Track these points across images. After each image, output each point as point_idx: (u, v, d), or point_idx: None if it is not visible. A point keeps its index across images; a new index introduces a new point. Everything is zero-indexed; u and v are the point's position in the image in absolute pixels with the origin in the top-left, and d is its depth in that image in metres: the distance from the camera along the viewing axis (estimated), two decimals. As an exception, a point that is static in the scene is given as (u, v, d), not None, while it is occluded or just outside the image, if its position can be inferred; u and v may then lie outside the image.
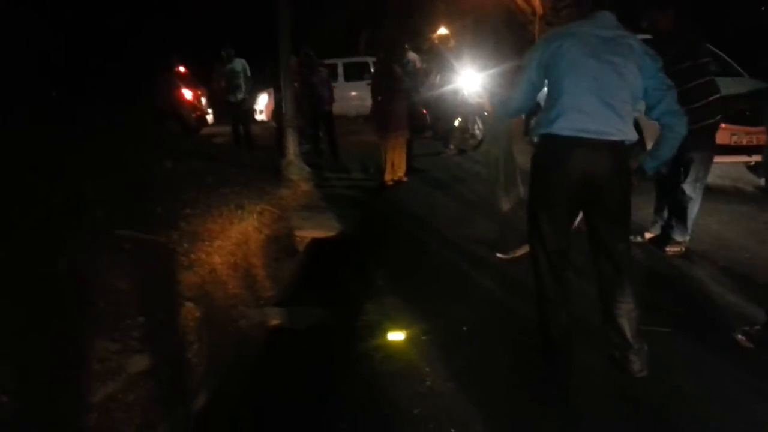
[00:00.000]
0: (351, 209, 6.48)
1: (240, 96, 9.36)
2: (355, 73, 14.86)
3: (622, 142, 2.49)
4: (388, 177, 7.41)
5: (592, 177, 2.47)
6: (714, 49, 6.28)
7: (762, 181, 5.51)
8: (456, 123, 9.57)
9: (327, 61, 13.23)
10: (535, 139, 2.68)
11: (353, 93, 14.14)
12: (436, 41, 13.54)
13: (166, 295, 3.85)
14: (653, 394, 2.53)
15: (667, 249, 4.11)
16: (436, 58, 10.35)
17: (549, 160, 2.57)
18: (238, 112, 9.65)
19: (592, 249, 2.65)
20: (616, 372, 2.63)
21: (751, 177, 6.03)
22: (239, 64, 9.36)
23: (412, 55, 8.23)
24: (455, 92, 9.67)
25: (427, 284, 4.02)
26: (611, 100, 2.43)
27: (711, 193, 4.97)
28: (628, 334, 2.57)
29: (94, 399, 2.99)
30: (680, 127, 2.56)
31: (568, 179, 2.50)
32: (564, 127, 2.46)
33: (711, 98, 3.86)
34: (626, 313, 2.57)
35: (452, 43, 11.70)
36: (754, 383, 2.55)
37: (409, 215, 6.11)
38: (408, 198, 6.84)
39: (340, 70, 15.01)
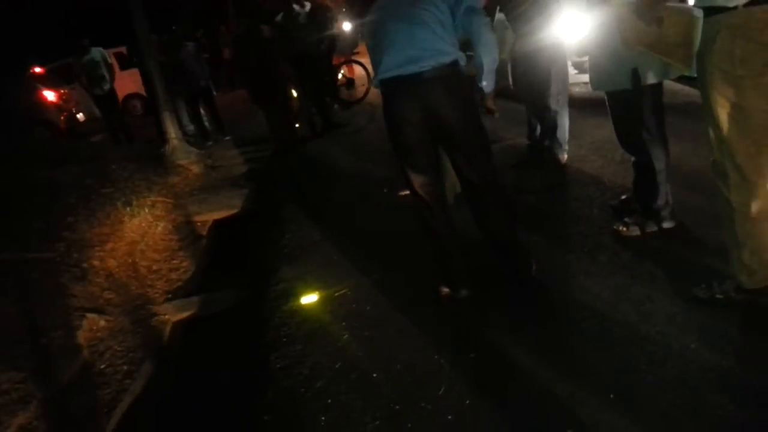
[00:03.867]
0: (248, 183, 6.34)
1: (106, 87, 8.74)
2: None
3: (448, 66, 2.50)
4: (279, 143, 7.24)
5: (430, 111, 2.54)
6: None
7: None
8: (339, 76, 9.45)
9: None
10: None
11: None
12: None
13: (64, 311, 3.64)
14: (548, 298, 2.70)
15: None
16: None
17: (387, 105, 2.65)
18: (107, 104, 9.03)
19: (459, 181, 2.77)
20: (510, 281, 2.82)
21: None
22: (97, 53, 8.71)
23: (298, 7, 7.80)
24: (334, 44, 9.48)
25: (333, 245, 4.01)
26: (415, 35, 2.49)
27: (580, 101, 5.22)
28: (511, 246, 2.76)
29: (6, 433, 2.83)
30: (476, 26, 2.51)
31: (407, 118, 2.57)
32: (386, 70, 2.56)
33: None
34: (502, 229, 2.73)
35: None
36: (643, 268, 2.75)
37: (307, 179, 6.05)
38: (303, 161, 6.75)
39: None
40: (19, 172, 6.34)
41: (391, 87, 2.59)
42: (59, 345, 3.38)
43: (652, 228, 3.04)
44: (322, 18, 9.08)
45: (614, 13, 2.54)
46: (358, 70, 9.77)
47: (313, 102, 7.78)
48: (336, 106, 8.81)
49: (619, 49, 2.70)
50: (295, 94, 7.98)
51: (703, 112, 2.20)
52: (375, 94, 8.98)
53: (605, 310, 2.49)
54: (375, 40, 2.66)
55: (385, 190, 4.63)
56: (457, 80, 2.57)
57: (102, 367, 3.28)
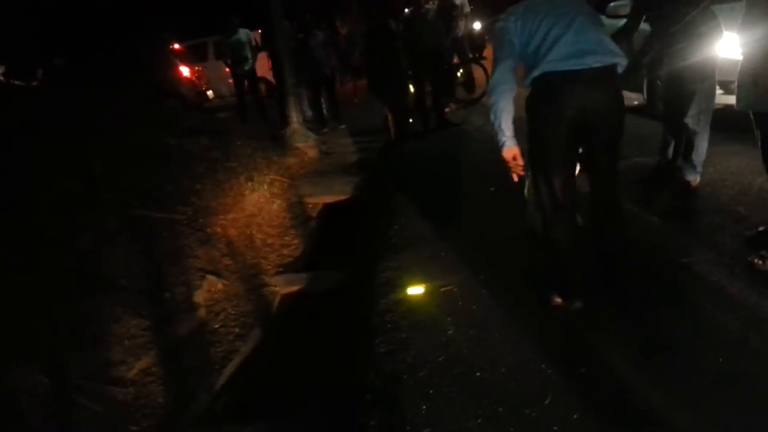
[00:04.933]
0: (359, 172, 6.50)
1: (246, 67, 9.20)
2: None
3: (613, 67, 2.51)
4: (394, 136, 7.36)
5: (587, 109, 2.48)
6: None
7: None
8: (459, 73, 9.42)
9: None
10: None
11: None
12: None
13: (187, 270, 3.94)
14: (669, 323, 2.56)
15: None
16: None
17: (544, 99, 2.55)
18: (245, 84, 9.52)
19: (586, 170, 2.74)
20: (636, 303, 2.69)
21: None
22: (244, 34, 9.14)
23: (430, 4, 7.87)
24: (457, 42, 9.46)
25: (441, 240, 4.02)
26: (587, 34, 2.49)
27: (721, 123, 4.90)
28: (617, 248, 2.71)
29: (128, 375, 3.11)
30: None
31: (564, 115, 2.50)
32: (555, 61, 2.47)
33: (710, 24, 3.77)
34: (615, 230, 2.69)
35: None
36: (758, 302, 2.55)
37: (417, 173, 6.09)
38: (414, 156, 6.81)
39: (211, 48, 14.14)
40: (154, 139, 6.86)
41: (554, 81, 2.49)
42: (180, 300, 3.66)
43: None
44: (448, 16, 9.12)
45: None
46: (477, 71, 9.70)
47: (429, 98, 7.83)
48: (452, 105, 8.82)
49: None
50: (411, 89, 8.07)
51: None
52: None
53: (732, 344, 2.33)
54: (532, 35, 2.56)
55: (492, 189, 4.59)
56: (618, 84, 2.56)
57: (216, 326, 3.52)
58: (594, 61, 2.45)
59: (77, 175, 4.87)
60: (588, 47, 2.46)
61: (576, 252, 2.71)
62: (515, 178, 2.69)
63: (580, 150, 2.78)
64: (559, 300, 2.76)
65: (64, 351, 3.05)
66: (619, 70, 2.55)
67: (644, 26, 3.99)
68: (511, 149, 2.62)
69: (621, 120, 2.59)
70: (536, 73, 2.52)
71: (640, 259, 3.05)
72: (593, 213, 2.76)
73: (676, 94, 3.85)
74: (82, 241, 3.83)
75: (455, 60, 9.52)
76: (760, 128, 2.84)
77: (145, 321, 3.43)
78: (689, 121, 3.82)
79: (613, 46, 2.54)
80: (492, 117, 2.59)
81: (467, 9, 9.48)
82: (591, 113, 2.49)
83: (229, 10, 9.86)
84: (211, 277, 3.87)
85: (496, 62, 2.61)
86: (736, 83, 2.89)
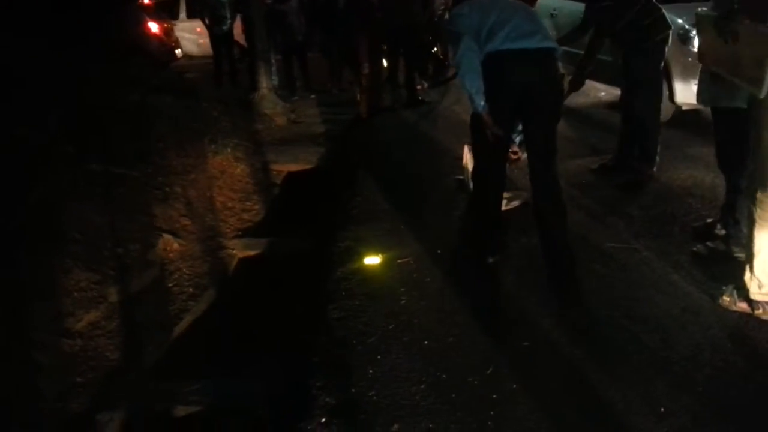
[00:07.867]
0: (325, 143, 6.45)
1: (225, 28, 8.93)
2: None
3: (554, 52, 2.78)
4: (364, 109, 7.31)
5: (534, 85, 2.68)
6: None
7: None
8: (433, 51, 9.35)
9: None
10: None
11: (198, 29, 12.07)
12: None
13: (143, 227, 3.88)
14: (610, 305, 2.65)
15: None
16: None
17: (497, 74, 2.69)
18: (222, 44, 9.25)
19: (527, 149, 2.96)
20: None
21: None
22: None
23: None
24: (433, 18, 9.37)
25: (402, 214, 4.03)
26: (531, 19, 2.79)
27: (690, 119, 5.03)
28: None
29: (76, 327, 3.07)
30: None
31: (514, 88, 2.70)
32: (504, 41, 2.66)
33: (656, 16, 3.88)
34: (559, 209, 2.77)
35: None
36: (699, 289, 2.69)
37: (384, 148, 6.07)
38: (383, 130, 6.79)
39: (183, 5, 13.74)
40: (117, 94, 6.67)
41: (507, 57, 2.65)
42: (134, 257, 3.62)
43: (739, 255, 2.92)
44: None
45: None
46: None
47: (401, 74, 7.80)
48: (424, 82, 8.78)
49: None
50: (384, 64, 8.02)
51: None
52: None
53: (671, 328, 2.43)
54: (483, 20, 2.72)
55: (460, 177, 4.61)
56: (556, 65, 2.81)
57: (170, 285, 3.50)
58: (541, 42, 2.69)
59: (34, 126, 4.72)
60: (535, 29, 2.73)
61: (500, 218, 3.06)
62: (492, 138, 2.79)
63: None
64: (491, 259, 3.05)
65: (11, 300, 2.99)
66: (556, 56, 2.82)
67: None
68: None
69: (559, 100, 2.89)
70: (489, 49, 2.69)
71: (590, 243, 3.16)
72: (536, 194, 2.85)
73: (625, 88, 4.00)
74: (36, 193, 3.73)
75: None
76: (716, 123, 2.93)
77: (97, 275, 3.39)
78: (639, 113, 3.95)
79: (547, 31, 2.86)
80: (468, 84, 2.69)
81: None
82: (536, 91, 2.70)
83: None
84: (167, 236, 3.82)
85: (457, 39, 2.75)
86: (697, 79, 2.98)
